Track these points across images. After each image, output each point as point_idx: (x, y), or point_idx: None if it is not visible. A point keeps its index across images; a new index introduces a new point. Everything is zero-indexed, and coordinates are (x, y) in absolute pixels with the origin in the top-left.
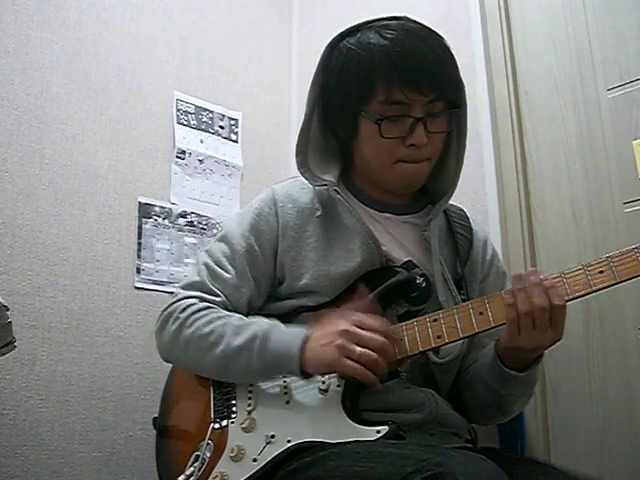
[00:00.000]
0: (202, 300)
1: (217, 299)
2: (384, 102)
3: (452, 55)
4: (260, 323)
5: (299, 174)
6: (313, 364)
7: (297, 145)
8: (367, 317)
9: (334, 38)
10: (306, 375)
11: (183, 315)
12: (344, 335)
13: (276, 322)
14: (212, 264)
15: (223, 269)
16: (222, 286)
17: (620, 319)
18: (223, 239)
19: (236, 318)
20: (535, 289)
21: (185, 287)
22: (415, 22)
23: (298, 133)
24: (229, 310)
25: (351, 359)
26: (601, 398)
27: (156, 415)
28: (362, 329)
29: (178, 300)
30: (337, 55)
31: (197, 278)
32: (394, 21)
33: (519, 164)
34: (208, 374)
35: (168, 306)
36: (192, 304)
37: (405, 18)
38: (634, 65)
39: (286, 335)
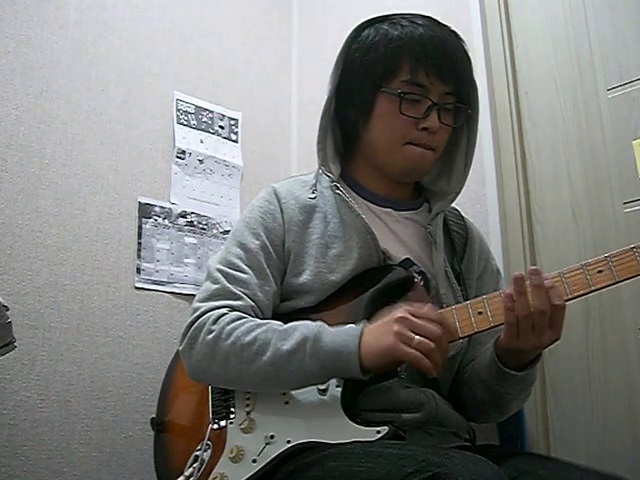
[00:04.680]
0: (230, 308)
1: (241, 303)
2: (407, 82)
3: (470, 59)
4: (306, 324)
5: (298, 173)
6: (371, 353)
7: (320, 120)
8: (422, 307)
9: (361, 24)
10: (365, 372)
11: (217, 327)
12: (401, 321)
13: (321, 323)
14: (226, 269)
15: (240, 271)
16: (243, 287)
17: (620, 319)
18: (233, 242)
19: (277, 323)
20: (536, 292)
21: (205, 299)
22: (440, 22)
23: (322, 111)
24: (256, 312)
25: (409, 346)
26: (601, 398)
27: (154, 416)
28: (418, 318)
29: (204, 312)
30: (365, 36)
31: (216, 286)
32: (421, 16)
33: (519, 164)
34: (252, 386)
35: (194, 321)
36: (223, 314)
37: (430, 16)
38: (634, 65)
39: (339, 333)
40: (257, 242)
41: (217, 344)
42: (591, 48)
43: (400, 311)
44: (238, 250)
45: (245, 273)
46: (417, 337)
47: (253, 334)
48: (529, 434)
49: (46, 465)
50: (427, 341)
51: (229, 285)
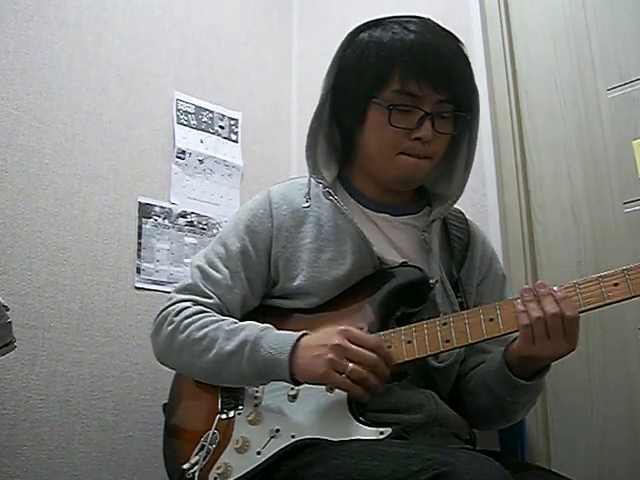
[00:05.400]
0: (196, 303)
1: (210, 301)
2: (397, 92)
3: (469, 62)
4: (252, 327)
5: (298, 173)
6: (303, 374)
7: (310, 126)
8: (360, 332)
9: (356, 28)
10: (296, 382)
11: (177, 319)
12: (335, 349)
13: (268, 326)
14: (205, 266)
15: (216, 270)
16: (215, 288)
17: (620, 319)
18: (218, 240)
19: (228, 322)
20: (545, 298)
21: (179, 291)
22: (437, 24)
23: (312, 117)
24: (223, 312)
25: (342, 374)
26: (601, 398)
27: (166, 402)
28: (355, 344)
29: (172, 304)
30: (358, 42)
31: (190, 281)
32: (417, 19)
33: (519, 164)
34: (202, 379)
35: (163, 310)
36: (185, 307)
37: (428, 19)
38: (634, 65)
39: (276, 341)
40: (238, 245)
41: (174, 335)
42: (591, 48)
43: (337, 336)
44: (220, 249)
45: (220, 273)
46: (350, 365)
47: (205, 330)
48: (529, 434)
49: (46, 465)
50: (360, 369)
51: (200, 283)
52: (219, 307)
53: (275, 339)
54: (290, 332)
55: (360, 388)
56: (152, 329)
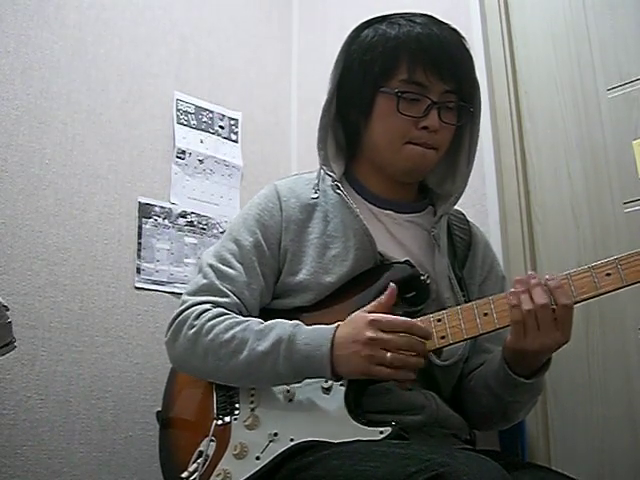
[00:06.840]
0: (215, 305)
1: (227, 300)
2: (405, 81)
3: (471, 56)
4: (282, 325)
5: (298, 172)
6: (343, 369)
7: (320, 120)
8: (390, 317)
9: (360, 25)
10: (338, 377)
11: (198, 322)
12: (370, 344)
13: (298, 322)
14: (217, 264)
15: (230, 267)
16: (232, 285)
17: (620, 319)
18: (228, 237)
19: (256, 322)
20: (536, 289)
21: (193, 292)
22: (439, 20)
23: (321, 112)
24: (242, 312)
25: (382, 365)
26: (601, 398)
27: (159, 409)
28: (387, 332)
29: (189, 307)
30: (364, 37)
31: (204, 281)
32: (421, 15)
33: (519, 164)
34: (230, 381)
35: (179, 314)
36: (206, 310)
37: (430, 15)
38: (634, 65)
39: (312, 336)
40: (251, 239)
41: (197, 339)
42: (591, 48)
43: (368, 329)
44: (232, 245)
45: (235, 270)
46: (388, 355)
47: (231, 332)
48: (529, 434)
49: (46, 465)
50: (398, 356)
51: (217, 281)
52: (238, 306)
53: (310, 335)
54: (323, 326)
55: (404, 372)
56: (168, 335)
